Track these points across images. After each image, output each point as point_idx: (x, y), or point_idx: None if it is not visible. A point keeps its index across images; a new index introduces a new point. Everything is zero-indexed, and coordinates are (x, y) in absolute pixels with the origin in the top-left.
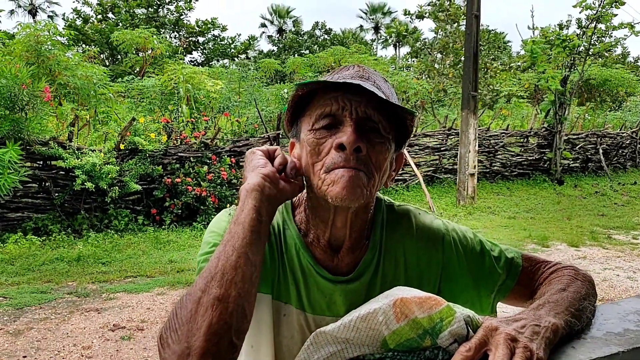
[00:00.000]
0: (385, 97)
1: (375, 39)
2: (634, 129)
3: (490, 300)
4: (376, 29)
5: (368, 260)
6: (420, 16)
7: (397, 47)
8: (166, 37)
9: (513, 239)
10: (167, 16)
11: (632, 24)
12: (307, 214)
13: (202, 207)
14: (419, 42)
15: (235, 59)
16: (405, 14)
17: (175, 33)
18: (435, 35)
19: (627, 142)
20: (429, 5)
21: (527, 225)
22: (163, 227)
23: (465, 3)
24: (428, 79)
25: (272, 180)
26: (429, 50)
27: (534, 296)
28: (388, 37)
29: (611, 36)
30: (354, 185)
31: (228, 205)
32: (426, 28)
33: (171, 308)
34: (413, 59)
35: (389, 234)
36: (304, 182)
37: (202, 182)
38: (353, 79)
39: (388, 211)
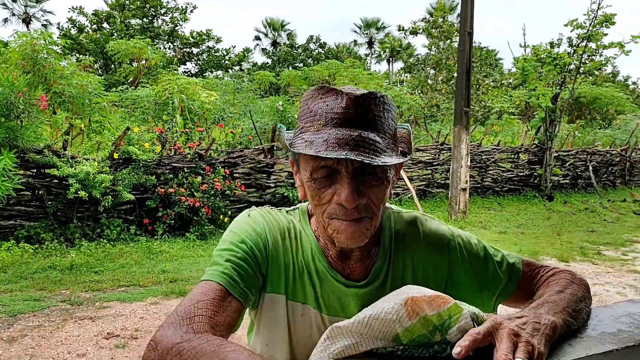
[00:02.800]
0: (379, 162)
1: (369, 54)
2: (623, 147)
3: (492, 303)
4: (370, 43)
5: (379, 267)
6: (414, 32)
7: (390, 62)
8: (160, 48)
9: None
10: (162, 27)
11: (623, 43)
12: (319, 228)
13: (195, 217)
14: (413, 58)
15: (229, 70)
16: (399, 30)
17: (170, 44)
18: (429, 51)
19: (617, 159)
20: (422, 21)
21: (517, 240)
22: (155, 237)
23: (459, 20)
24: (421, 94)
25: None
26: (422, 65)
27: (532, 298)
28: (382, 52)
29: (601, 55)
30: (357, 235)
31: (222, 216)
32: (419, 44)
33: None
34: (406, 74)
35: (397, 241)
36: None
37: (195, 193)
38: (343, 126)
39: (396, 219)
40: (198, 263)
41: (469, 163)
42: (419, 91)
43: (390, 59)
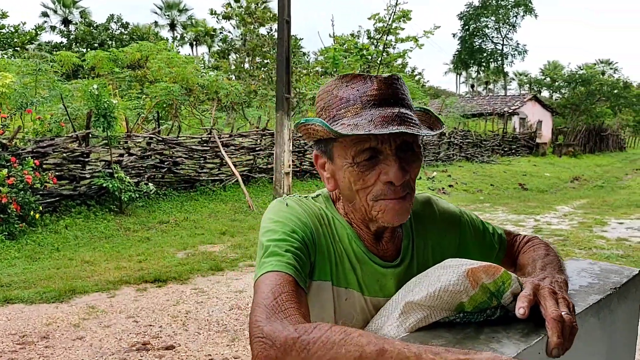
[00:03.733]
0: (425, 133)
1: (175, 37)
2: None
3: None
4: (172, 26)
5: (405, 246)
6: (227, 17)
7: (195, 46)
8: None
9: None
10: None
11: (417, 37)
12: (346, 215)
13: (2, 215)
14: (226, 43)
15: (17, 50)
16: (211, 14)
17: None
18: (243, 37)
19: None
20: (227, 5)
21: None
22: None
23: (277, 8)
24: (238, 79)
25: None
26: (236, 51)
27: (515, 263)
28: (185, 35)
29: (394, 47)
30: (403, 212)
31: (32, 212)
32: (228, 29)
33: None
34: (211, 59)
35: (416, 222)
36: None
37: (1, 188)
38: (380, 106)
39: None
40: (14, 265)
41: (291, 148)
42: (235, 76)
43: (195, 43)
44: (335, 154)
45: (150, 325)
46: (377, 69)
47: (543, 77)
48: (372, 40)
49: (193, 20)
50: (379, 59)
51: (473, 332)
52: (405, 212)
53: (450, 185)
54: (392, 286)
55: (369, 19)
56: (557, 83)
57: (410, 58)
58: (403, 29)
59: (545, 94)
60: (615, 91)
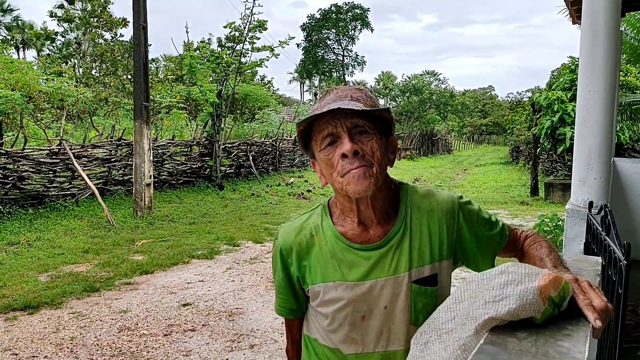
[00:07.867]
0: (358, 108)
1: (5, 39)
2: (273, 138)
3: (490, 256)
4: None
5: (395, 230)
6: (69, 20)
7: (22, 50)
8: None
9: (204, 242)
10: None
11: (273, 47)
12: (339, 208)
13: None
14: (70, 47)
15: None
16: (51, 16)
17: None
18: (79, 40)
19: (269, 149)
20: (59, 7)
21: (209, 228)
22: None
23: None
24: (86, 87)
25: None
26: (81, 56)
27: (515, 254)
28: (12, 38)
29: (249, 56)
30: (362, 180)
31: None
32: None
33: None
34: (53, 64)
35: (414, 211)
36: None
37: None
38: (334, 101)
39: (412, 192)
40: None
41: (151, 158)
42: (83, 84)
43: (22, 47)
44: (315, 153)
45: (34, 356)
46: (236, 77)
47: (380, 87)
48: (224, 48)
49: (19, 22)
50: (232, 67)
51: (542, 327)
52: (364, 179)
53: (308, 190)
54: (377, 268)
55: (225, 27)
56: (392, 92)
57: (267, 67)
58: (259, 38)
59: (382, 102)
60: (443, 99)
